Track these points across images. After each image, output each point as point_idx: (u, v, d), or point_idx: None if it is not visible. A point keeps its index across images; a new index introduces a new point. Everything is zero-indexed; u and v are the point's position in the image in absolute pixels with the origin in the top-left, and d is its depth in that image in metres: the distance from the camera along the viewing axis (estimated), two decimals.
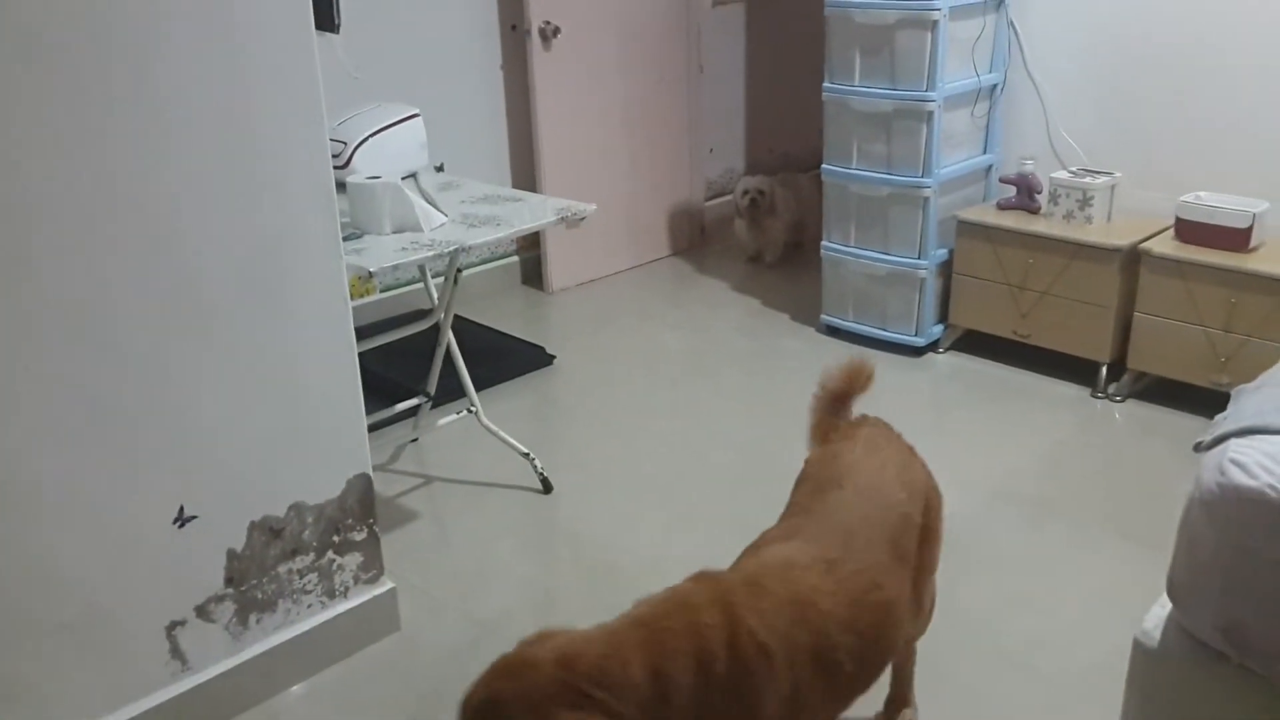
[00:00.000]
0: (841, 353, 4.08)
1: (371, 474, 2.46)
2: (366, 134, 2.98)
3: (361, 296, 4.25)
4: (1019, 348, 3.91)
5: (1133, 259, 3.57)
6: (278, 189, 2.11)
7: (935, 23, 3.68)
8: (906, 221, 3.96)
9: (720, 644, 1.52)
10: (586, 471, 3.32)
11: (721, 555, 1.83)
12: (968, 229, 3.91)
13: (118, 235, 1.92)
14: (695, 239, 5.44)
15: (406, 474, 3.35)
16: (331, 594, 2.45)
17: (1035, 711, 2.32)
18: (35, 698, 2.01)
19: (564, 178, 4.66)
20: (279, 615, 2.36)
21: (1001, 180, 4.03)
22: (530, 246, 4.88)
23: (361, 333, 2.43)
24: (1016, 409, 3.67)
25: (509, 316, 4.52)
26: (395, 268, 2.55)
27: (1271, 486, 1.53)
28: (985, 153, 4.14)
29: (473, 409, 3.22)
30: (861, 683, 1.75)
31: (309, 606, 2.41)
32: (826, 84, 4.02)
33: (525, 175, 4.73)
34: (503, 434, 3.23)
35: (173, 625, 2.18)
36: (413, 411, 3.38)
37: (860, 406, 2.15)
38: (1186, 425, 3.43)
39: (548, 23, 4.49)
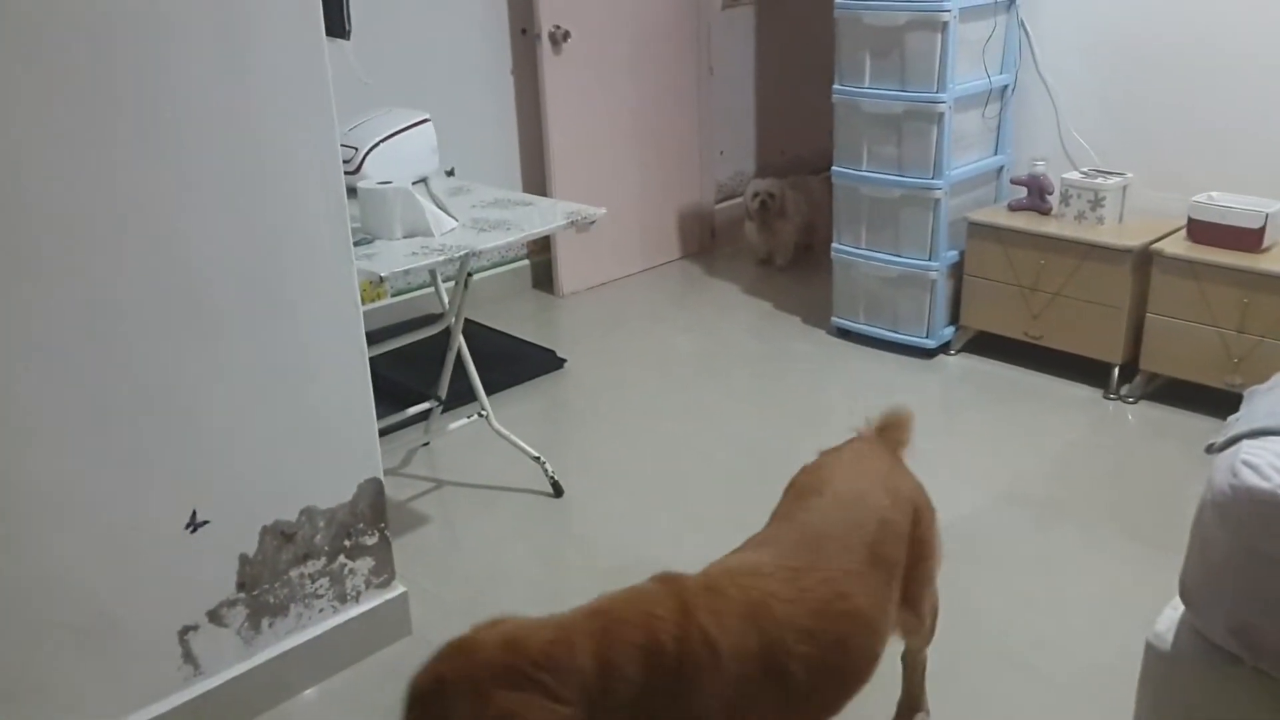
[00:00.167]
0: (853, 355, 4.12)
1: (383, 478, 2.46)
2: (377, 139, 2.99)
3: (372, 301, 4.26)
4: (1031, 349, 3.90)
5: (1145, 260, 3.56)
6: (289, 194, 2.12)
7: (945, 24, 3.68)
8: (917, 223, 3.96)
9: (669, 638, 1.53)
10: (597, 475, 3.33)
11: None
12: (979, 230, 3.90)
13: (128, 241, 1.93)
14: (706, 242, 5.44)
15: (418, 478, 3.35)
16: (343, 598, 2.46)
17: (1044, 713, 2.31)
18: (48, 702, 2.02)
19: (574, 181, 4.67)
20: (291, 620, 2.37)
21: (1013, 181, 4.02)
22: (541, 250, 4.89)
23: (372, 337, 2.44)
24: (1028, 410, 3.66)
25: (520, 320, 4.52)
26: (406, 272, 2.56)
27: None
28: (996, 154, 4.13)
29: (483, 413, 3.23)
30: (826, 696, 1.70)
31: (320, 611, 2.42)
32: (836, 86, 4.02)
33: (535, 179, 4.74)
34: (513, 438, 3.23)
35: (185, 630, 2.19)
36: (424, 416, 3.39)
37: (872, 410, 2.14)
38: (1199, 426, 3.42)
39: (558, 27, 4.50)
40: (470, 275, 3.04)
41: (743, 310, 4.66)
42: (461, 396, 3.38)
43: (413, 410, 3.30)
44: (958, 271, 4.01)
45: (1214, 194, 3.49)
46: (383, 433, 2.57)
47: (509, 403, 3.75)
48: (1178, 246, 3.49)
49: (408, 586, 2.59)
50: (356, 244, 2.38)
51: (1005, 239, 3.83)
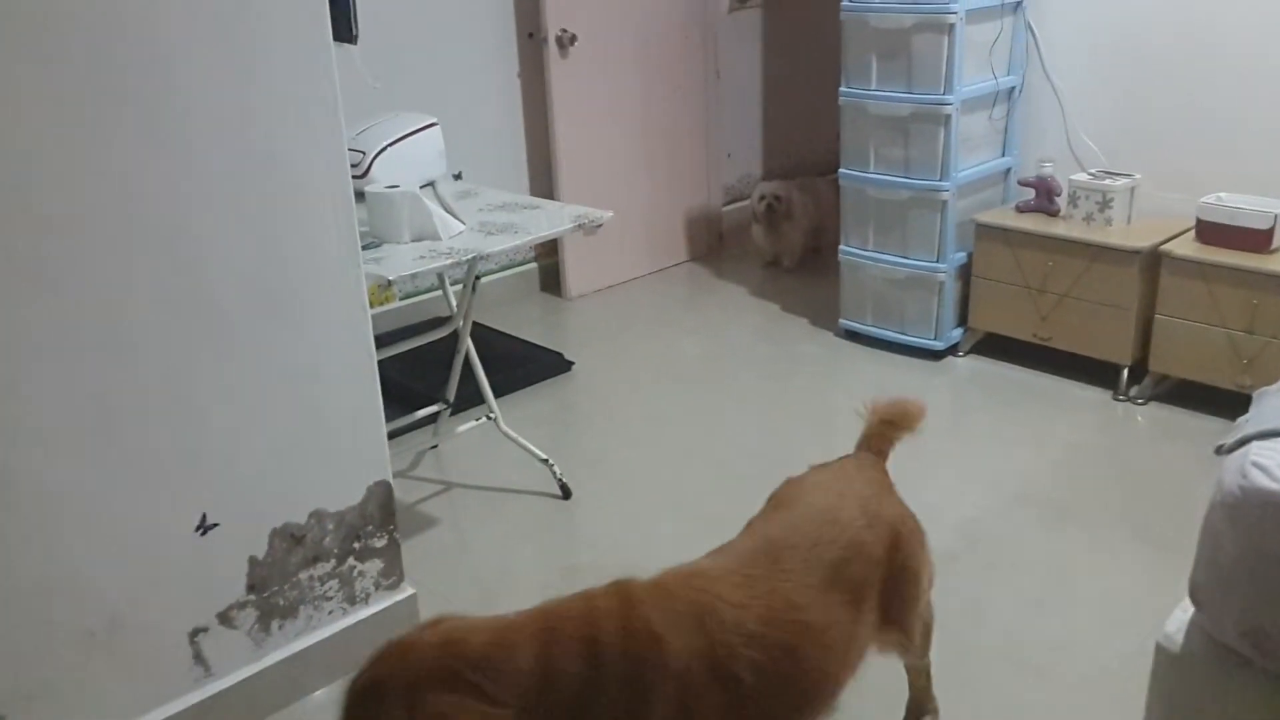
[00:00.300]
0: (860, 357, 4.12)
1: (391, 481, 2.47)
2: (385, 143, 2.99)
3: (381, 304, 4.27)
4: (1039, 351, 3.89)
5: (1153, 261, 3.55)
6: (297, 198, 2.12)
7: (952, 26, 3.67)
8: (925, 225, 3.95)
9: (613, 631, 1.52)
10: (605, 477, 3.33)
11: None
12: (986, 232, 3.90)
13: (136, 245, 1.93)
14: (713, 244, 5.45)
15: (426, 480, 3.36)
16: (352, 600, 2.46)
17: (1055, 715, 2.31)
18: (59, 705, 2.03)
19: (581, 184, 4.67)
20: (300, 621, 2.38)
21: (1020, 183, 4.01)
22: (548, 253, 4.89)
23: (381, 340, 2.45)
24: (1037, 412, 3.66)
25: (527, 323, 4.53)
26: (414, 276, 2.57)
27: None
28: (1003, 155, 4.13)
29: (492, 415, 3.23)
30: (777, 708, 1.66)
31: (330, 613, 2.43)
32: (843, 88, 4.02)
33: (543, 182, 4.75)
34: (522, 440, 3.24)
35: (195, 632, 2.19)
36: (432, 418, 3.40)
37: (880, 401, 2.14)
38: (1208, 428, 3.41)
39: (564, 30, 4.51)
40: (478, 278, 3.04)
41: (750, 312, 4.66)
42: (470, 399, 3.39)
43: (421, 413, 3.31)
44: (966, 273, 4.01)
45: (1222, 195, 3.49)
46: (391, 435, 2.58)
47: (517, 405, 3.76)
48: (1186, 247, 3.49)
49: (417, 588, 2.59)
50: (364, 247, 2.39)
51: (1013, 240, 3.82)
